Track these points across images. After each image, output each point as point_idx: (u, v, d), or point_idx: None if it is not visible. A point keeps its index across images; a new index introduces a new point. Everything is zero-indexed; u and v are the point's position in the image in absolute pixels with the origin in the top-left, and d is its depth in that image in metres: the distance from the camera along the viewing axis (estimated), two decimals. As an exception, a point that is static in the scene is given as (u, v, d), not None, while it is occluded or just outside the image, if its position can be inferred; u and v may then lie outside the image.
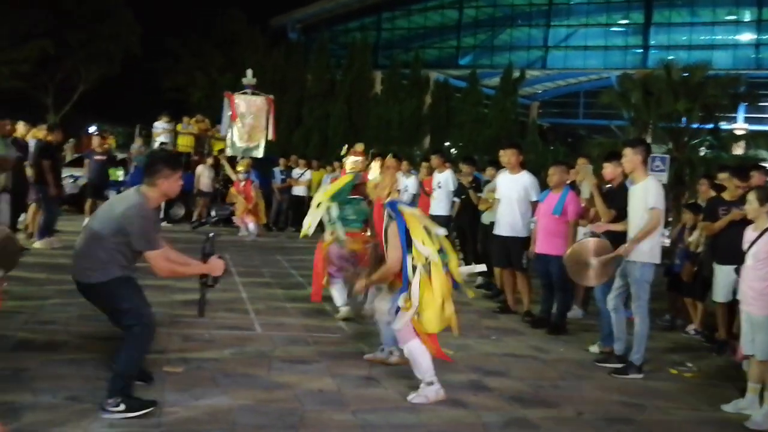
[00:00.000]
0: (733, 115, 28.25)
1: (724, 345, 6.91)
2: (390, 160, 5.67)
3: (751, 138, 21.31)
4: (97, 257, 4.20)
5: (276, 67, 29.31)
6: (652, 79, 20.94)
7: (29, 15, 26.74)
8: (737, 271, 5.34)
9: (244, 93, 15.24)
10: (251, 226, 13.78)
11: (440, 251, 4.93)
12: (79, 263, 4.28)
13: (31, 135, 11.99)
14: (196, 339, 5.94)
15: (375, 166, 5.77)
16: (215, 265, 4.71)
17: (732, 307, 6.51)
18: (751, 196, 5.30)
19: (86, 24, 28.86)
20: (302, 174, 16.14)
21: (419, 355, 4.87)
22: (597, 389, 5.51)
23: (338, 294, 7.09)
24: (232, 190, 14.11)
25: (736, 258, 5.40)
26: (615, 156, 6.89)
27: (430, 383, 4.84)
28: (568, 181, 7.78)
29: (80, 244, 4.32)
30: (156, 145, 16.09)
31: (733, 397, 5.32)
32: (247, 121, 14.95)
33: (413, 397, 4.81)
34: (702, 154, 20.52)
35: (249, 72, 15.39)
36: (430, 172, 11.34)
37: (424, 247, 4.82)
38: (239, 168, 14.13)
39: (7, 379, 4.57)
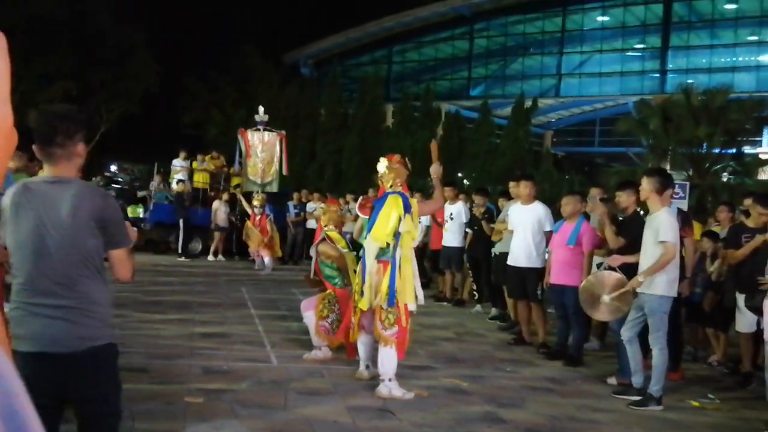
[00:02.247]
0: (758, 138, 28.06)
1: (748, 377, 6.84)
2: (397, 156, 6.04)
3: (776, 162, 21.17)
4: (97, 299, 2.83)
5: (289, 102, 29.79)
6: (670, 105, 20.95)
7: (55, 58, 27.55)
8: (750, 304, 5.35)
9: (256, 129, 15.56)
10: (267, 259, 13.97)
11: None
12: (72, 322, 2.77)
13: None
14: (215, 371, 6.07)
15: (383, 161, 6.04)
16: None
17: (757, 337, 6.45)
18: (772, 224, 5.32)
19: (108, 65, 29.72)
20: (316, 208, 16.35)
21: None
22: (615, 422, 5.51)
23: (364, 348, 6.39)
24: (248, 223, 14.33)
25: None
26: (629, 185, 7.01)
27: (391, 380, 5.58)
28: (582, 211, 7.87)
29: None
30: (174, 182, 16.46)
31: (758, 430, 5.31)
32: (260, 157, 15.27)
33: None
34: (725, 180, 20.41)
35: (261, 109, 15.73)
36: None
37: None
38: (255, 202, 14.37)
39: None
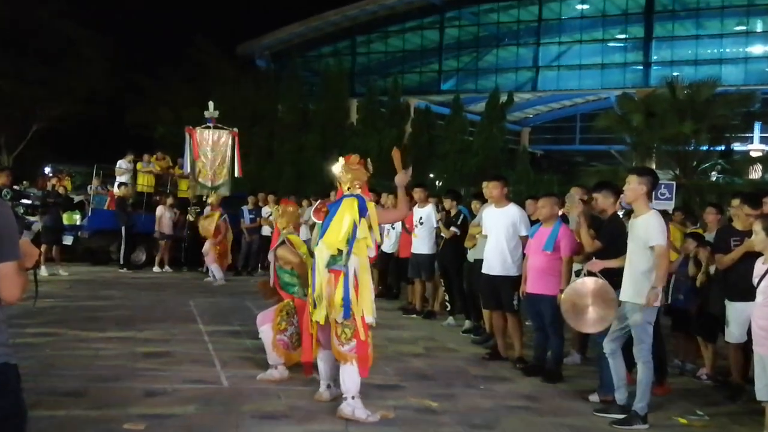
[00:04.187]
0: (748, 135, 28.50)
1: (738, 390, 6.89)
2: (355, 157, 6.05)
3: (768, 160, 21.43)
4: None
5: (245, 98, 29.60)
6: (654, 99, 21.16)
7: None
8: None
9: (206, 127, 15.38)
10: (214, 268, 13.91)
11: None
12: None
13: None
14: (158, 393, 5.99)
15: (339, 162, 6.03)
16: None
17: (747, 348, 6.46)
18: (757, 226, 5.34)
19: (47, 60, 29.43)
20: (272, 212, 16.23)
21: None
22: (596, 442, 5.53)
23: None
24: (203, 221, 14.14)
25: (750, 294, 5.41)
26: (606, 186, 7.05)
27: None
28: (560, 214, 7.89)
29: None
30: (116, 185, 16.24)
31: (748, 446, 5.37)
32: (210, 158, 15.09)
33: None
34: (713, 179, 20.67)
35: (210, 104, 15.57)
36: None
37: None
38: (210, 200, 14.34)
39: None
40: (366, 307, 5.65)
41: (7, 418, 2.72)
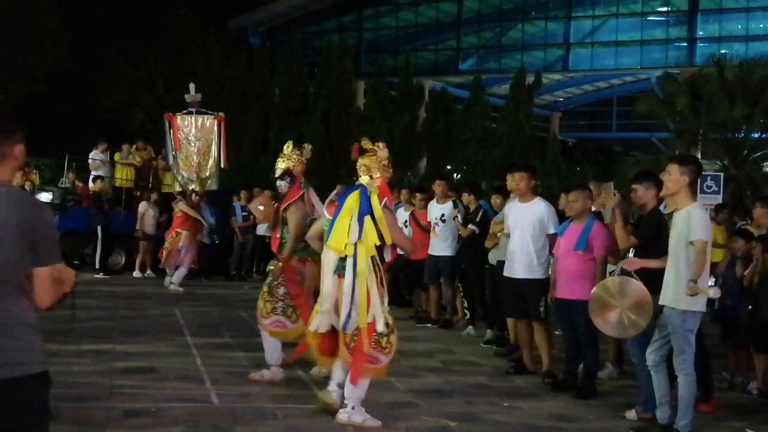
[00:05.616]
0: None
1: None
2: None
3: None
4: (25, 319, 3.04)
5: (235, 79, 29.67)
6: (700, 80, 21.19)
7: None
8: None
9: (188, 113, 15.42)
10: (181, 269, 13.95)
11: None
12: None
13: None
14: (140, 414, 6.02)
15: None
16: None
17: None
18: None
19: (4, 37, 29.24)
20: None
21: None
22: (634, 465, 5.58)
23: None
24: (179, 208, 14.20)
25: None
26: (648, 176, 7.06)
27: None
28: (593, 209, 7.91)
29: None
30: (90, 179, 16.28)
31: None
32: (194, 147, 15.12)
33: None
34: (767, 170, 20.70)
35: (192, 87, 15.60)
36: (427, 202, 11.49)
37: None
38: (195, 187, 14.43)
39: None
40: (376, 313, 5.77)
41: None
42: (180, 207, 14.08)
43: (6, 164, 3.12)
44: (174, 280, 13.87)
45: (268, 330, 7.16)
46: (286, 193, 7.21)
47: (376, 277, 5.87)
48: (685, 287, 5.80)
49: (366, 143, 6.18)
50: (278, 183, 7.25)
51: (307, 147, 7.50)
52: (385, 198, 6.06)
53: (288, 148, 7.41)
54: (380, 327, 5.81)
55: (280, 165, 7.25)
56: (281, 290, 7.10)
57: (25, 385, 2.92)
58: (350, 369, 5.88)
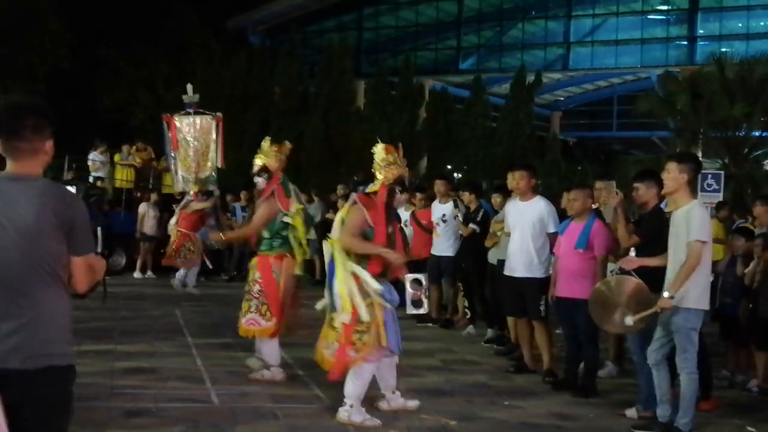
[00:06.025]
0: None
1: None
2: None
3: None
4: (57, 310, 3.13)
5: (235, 79, 29.66)
6: (701, 78, 21.21)
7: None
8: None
9: (186, 113, 15.40)
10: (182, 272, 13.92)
11: None
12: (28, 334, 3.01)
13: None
14: (141, 414, 6.05)
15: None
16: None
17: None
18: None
19: (4, 37, 29.28)
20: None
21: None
22: (635, 463, 5.59)
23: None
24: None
25: None
26: (649, 175, 7.07)
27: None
28: (594, 207, 7.92)
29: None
30: (91, 180, 16.29)
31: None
32: (193, 147, 15.10)
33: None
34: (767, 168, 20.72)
35: (189, 87, 15.57)
36: (429, 202, 11.50)
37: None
38: (194, 189, 14.42)
39: None
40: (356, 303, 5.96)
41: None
42: (193, 207, 14.09)
43: (37, 159, 3.21)
44: (188, 281, 13.86)
45: (243, 328, 7.25)
46: (262, 189, 7.32)
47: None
48: (665, 296, 5.88)
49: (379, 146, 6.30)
50: (255, 179, 7.35)
51: (287, 144, 7.73)
52: (365, 210, 6.19)
53: (266, 144, 7.56)
54: (362, 314, 5.95)
55: (257, 161, 7.45)
56: (256, 288, 7.17)
57: (52, 377, 3.00)
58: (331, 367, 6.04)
